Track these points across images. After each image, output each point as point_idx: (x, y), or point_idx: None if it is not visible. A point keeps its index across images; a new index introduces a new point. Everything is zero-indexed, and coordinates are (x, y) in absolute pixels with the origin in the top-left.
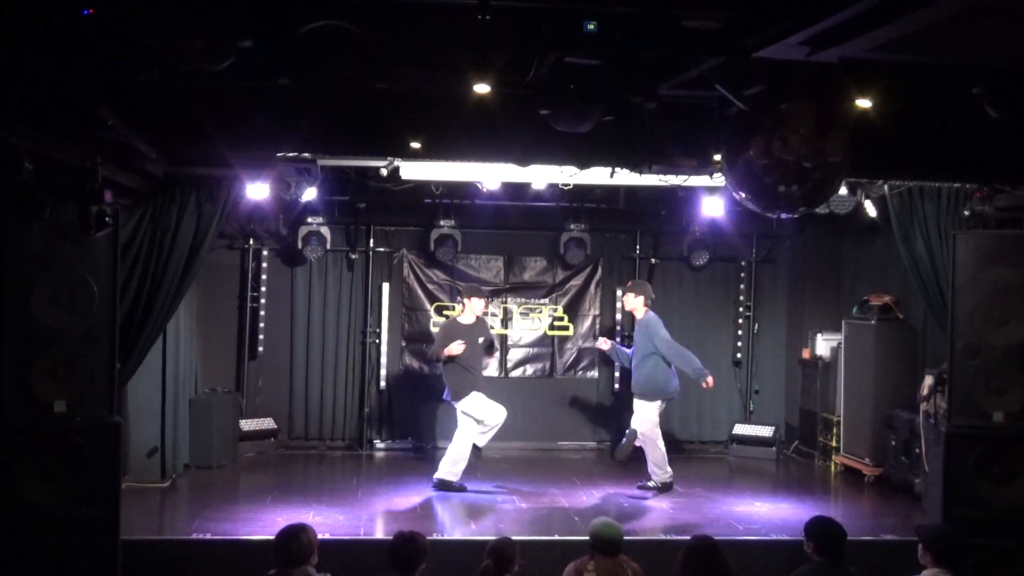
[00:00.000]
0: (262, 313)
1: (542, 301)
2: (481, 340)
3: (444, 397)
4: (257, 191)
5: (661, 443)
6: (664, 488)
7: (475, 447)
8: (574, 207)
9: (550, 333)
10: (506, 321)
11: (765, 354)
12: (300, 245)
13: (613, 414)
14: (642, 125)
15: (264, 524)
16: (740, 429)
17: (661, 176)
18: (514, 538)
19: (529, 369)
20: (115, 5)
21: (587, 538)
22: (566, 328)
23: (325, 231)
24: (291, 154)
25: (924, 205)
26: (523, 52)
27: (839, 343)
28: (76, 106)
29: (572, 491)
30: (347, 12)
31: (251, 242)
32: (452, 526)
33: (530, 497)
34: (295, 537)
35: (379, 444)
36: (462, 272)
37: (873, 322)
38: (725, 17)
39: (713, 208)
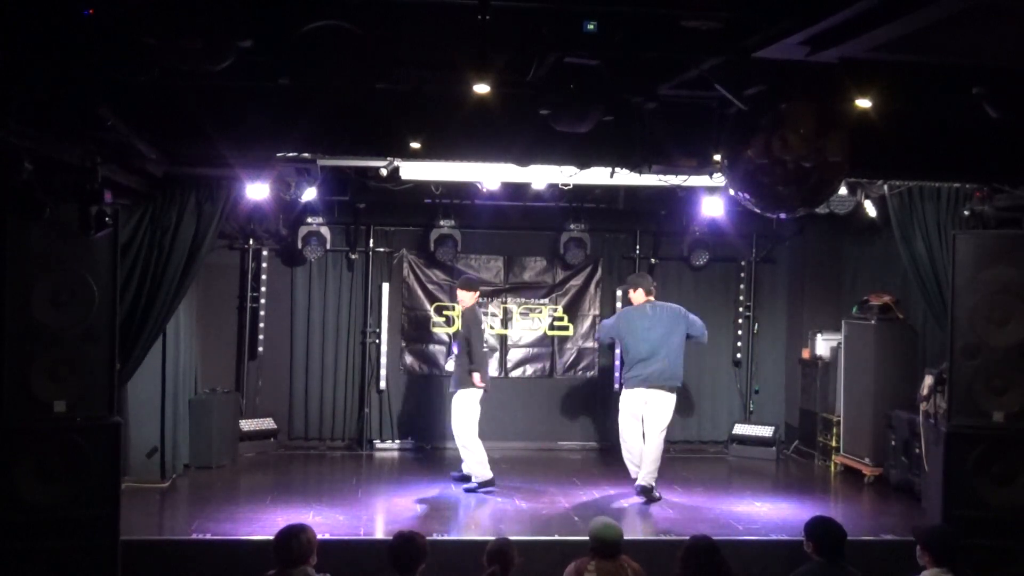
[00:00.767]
0: (262, 313)
1: (542, 301)
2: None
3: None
4: (257, 191)
5: None
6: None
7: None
8: (574, 207)
9: (550, 333)
10: (506, 321)
11: (765, 354)
12: (300, 245)
13: (613, 414)
14: (642, 125)
15: (264, 524)
16: (740, 429)
17: (661, 176)
18: (514, 538)
19: (529, 369)
20: (115, 5)
21: (587, 538)
22: (566, 328)
23: (325, 231)
24: (291, 154)
25: (924, 205)
26: (523, 52)
27: (839, 343)
28: (76, 106)
29: (572, 491)
30: (347, 12)
31: (251, 242)
32: (452, 526)
33: (530, 497)
34: (295, 537)
35: (379, 444)
36: (462, 272)
37: (873, 322)
38: (725, 17)
39: (713, 208)
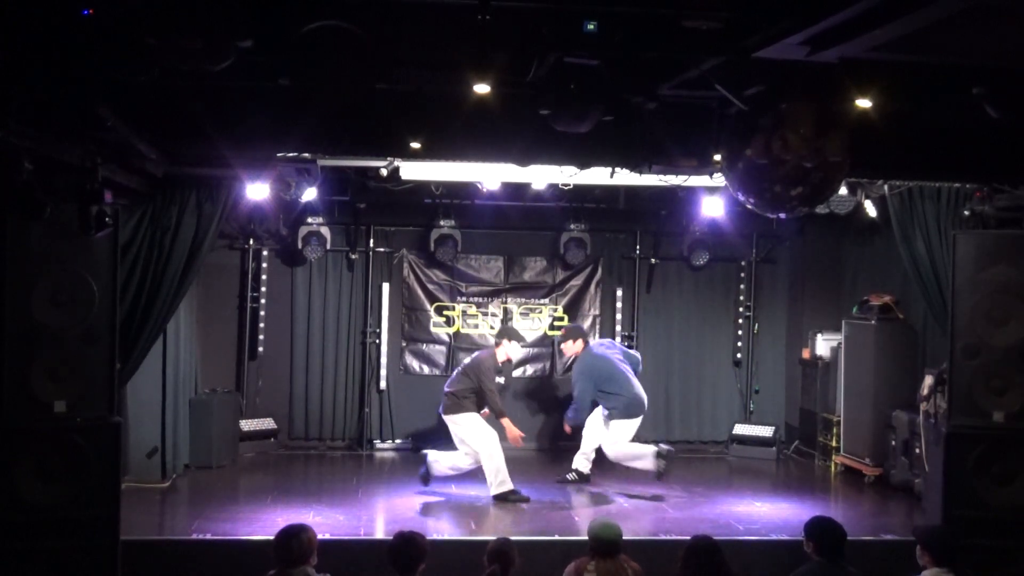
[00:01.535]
0: (262, 313)
1: (542, 301)
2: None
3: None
4: (257, 191)
5: None
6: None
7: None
8: (574, 207)
9: (550, 333)
10: (506, 321)
11: (765, 354)
12: (300, 245)
13: None
14: (642, 125)
15: (264, 524)
16: (740, 429)
17: (661, 176)
18: (514, 538)
19: (529, 369)
20: (115, 5)
21: (587, 538)
22: None
23: (325, 231)
24: (291, 154)
25: (924, 205)
26: (523, 52)
27: (839, 343)
28: (76, 106)
29: (572, 491)
30: (347, 12)
31: (251, 242)
32: (452, 526)
33: (530, 497)
34: (295, 537)
35: (379, 444)
36: (462, 272)
37: (873, 322)
38: (725, 17)
39: (713, 208)
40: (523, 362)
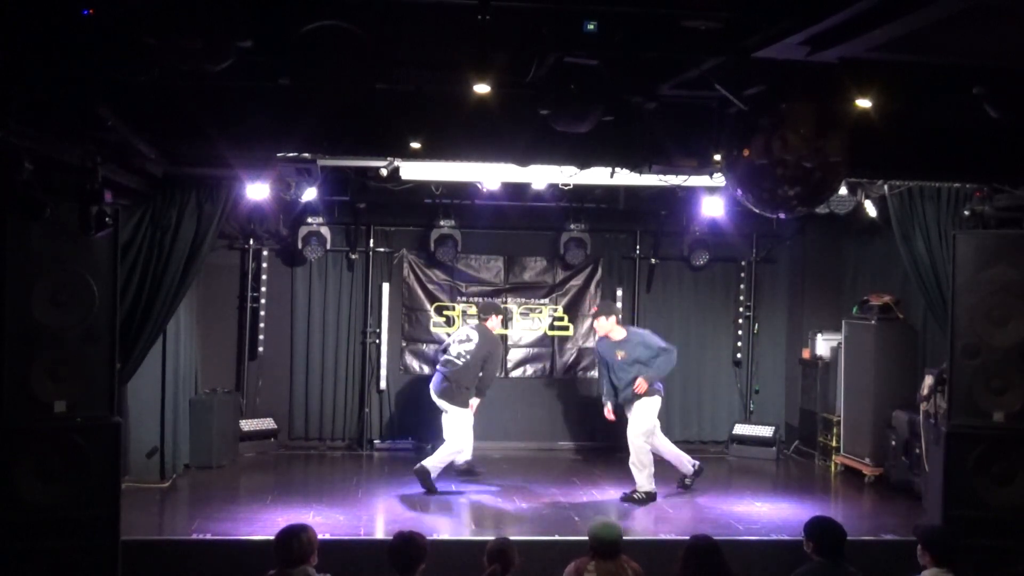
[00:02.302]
0: (262, 313)
1: (542, 301)
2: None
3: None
4: (257, 191)
5: None
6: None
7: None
8: (574, 207)
9: (550, 333)
10: (506, 321)
11: (765, 354)
12: (300, 245)
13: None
14: (642, 125)
15: (264, 524)
16: (740, 429)
17: (661, 176)
18: (514, 538)
19: (529, 369)
20: (115, 5)
21: (587, 538)
22: (566, 328)
23: (325, 231)
24: (291, 154)
25: (924, 205)
26: (523, 52)
27: (839, 343)
28: (76, 106)
29: (572, 491)
30: (347, 12)
31: (251, 242)
32: (452, 526)
33: (530, 497)
34: (295, 537)
35: (379, 444)
36: (462, 272)
37: (873, 322)
38: (725, 17)
39: (713, 208)
40: (523, 362)
